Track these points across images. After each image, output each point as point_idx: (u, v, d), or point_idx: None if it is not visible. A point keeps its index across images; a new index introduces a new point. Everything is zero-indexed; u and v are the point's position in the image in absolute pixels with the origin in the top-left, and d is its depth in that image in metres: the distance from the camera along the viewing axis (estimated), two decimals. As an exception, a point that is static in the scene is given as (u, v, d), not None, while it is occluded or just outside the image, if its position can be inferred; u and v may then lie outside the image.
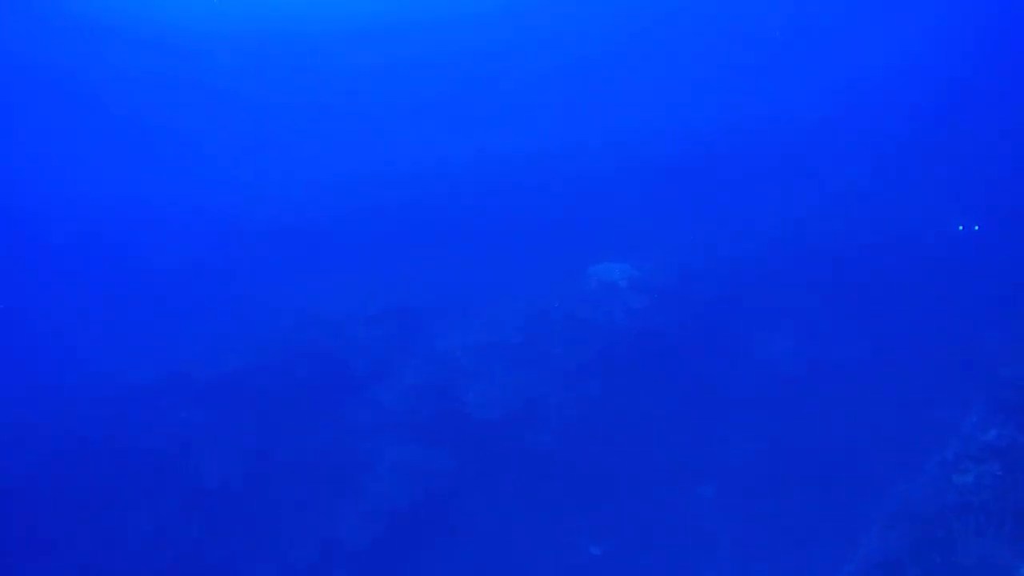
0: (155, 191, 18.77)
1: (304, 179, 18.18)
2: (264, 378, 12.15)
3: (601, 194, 16.14)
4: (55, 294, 16.31)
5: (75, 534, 10.06)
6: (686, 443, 10.77)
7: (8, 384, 13.05)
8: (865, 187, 13.84)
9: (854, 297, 11.93)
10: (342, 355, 12.29)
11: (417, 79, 21.46)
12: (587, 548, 10.01)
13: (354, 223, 15.85)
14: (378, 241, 15.22)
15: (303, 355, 12.30)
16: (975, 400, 8.48)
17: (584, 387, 11.18)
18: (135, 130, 20.92)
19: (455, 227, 15.53)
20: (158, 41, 20.04)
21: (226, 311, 14.20)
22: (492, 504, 10.41)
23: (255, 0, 20.11)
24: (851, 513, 8.83)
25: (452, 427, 10.87)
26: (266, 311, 13.50)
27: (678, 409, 11.06)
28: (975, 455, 6.63)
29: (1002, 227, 12.06)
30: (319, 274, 14.25)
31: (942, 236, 12.43)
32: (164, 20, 19.43)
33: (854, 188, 13.95)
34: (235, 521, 10.50)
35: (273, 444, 11.38)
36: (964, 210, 12.52)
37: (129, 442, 11.10)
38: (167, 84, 20.90)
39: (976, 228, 12.27)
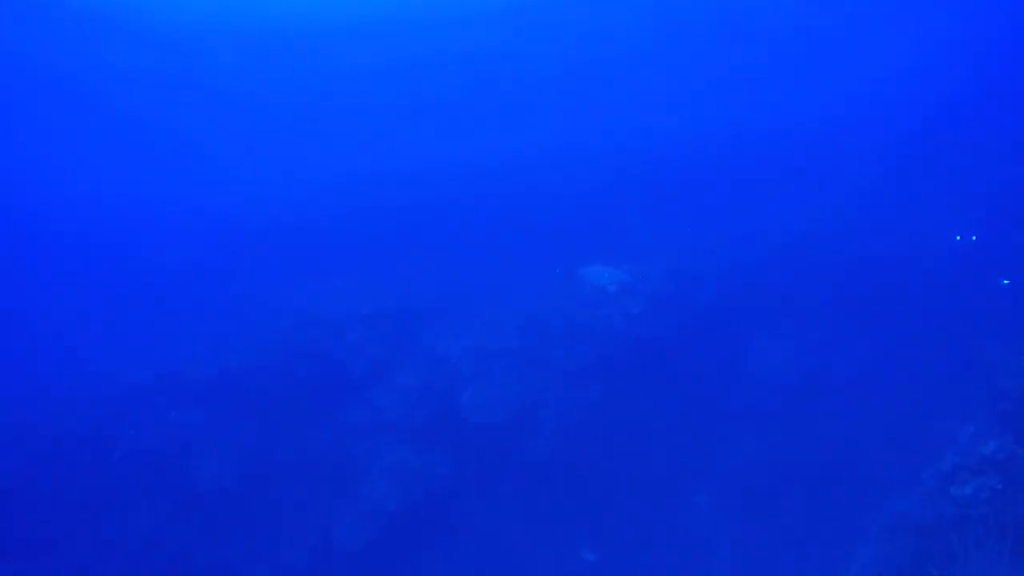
0: (154, 190, 18.73)
1: (303, 179, 18.14)
2: (262, 378, 12.11)
3: (599, 197, 16.11)
4: (53, 293, 16.27)
5: (73, 534, 10.04)
6: (683, 450, 10.75)
7: (7, 383, 13.00)
8: (865, 196, 13.82)
9: (852, 306, 11.90)
10: (339, 356, 12.25)
11: (417, 80, 21.42)
12: (581, 554, 9.99)
13: (352, 224, 15.82)
14: (375, 242, 15.19)
15: (301, 356, 12.26)
16: (973, 412, 8.48)
17: (581, 392, 11.14)
18: (132, 129, 20.83)
19: (453, 229, 15.49)
20: (157, 37, 19.93)
21: (224, 311, 14.16)
22: (488, 508, 10.39)
23: (255, -4, 20.18)
24: (847, 524, 8.81)
25: (449, 430, 10.85)
26: (264, 311, 13.46)
27: (675, 416, 11.03)
28: (974, 467, 6.61)
29: (1001, 238, 12.06)
30: (317, 274, 14.21)
31: (941, 247, 12.40)
32: (163, 17, 19.34)
33: (854, 197, 13.93)
34: (232, 522, 10.49)
35: (270, 445, 11.36)
36: (963, 221, 12.51)
37: (127, 442, 11.07)
38: (165, 82, 20.80)
39: (974, 239, 12.25)
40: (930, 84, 16.51)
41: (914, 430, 9.39)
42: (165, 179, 19.26)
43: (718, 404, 11.09)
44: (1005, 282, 11.47)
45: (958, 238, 11.65)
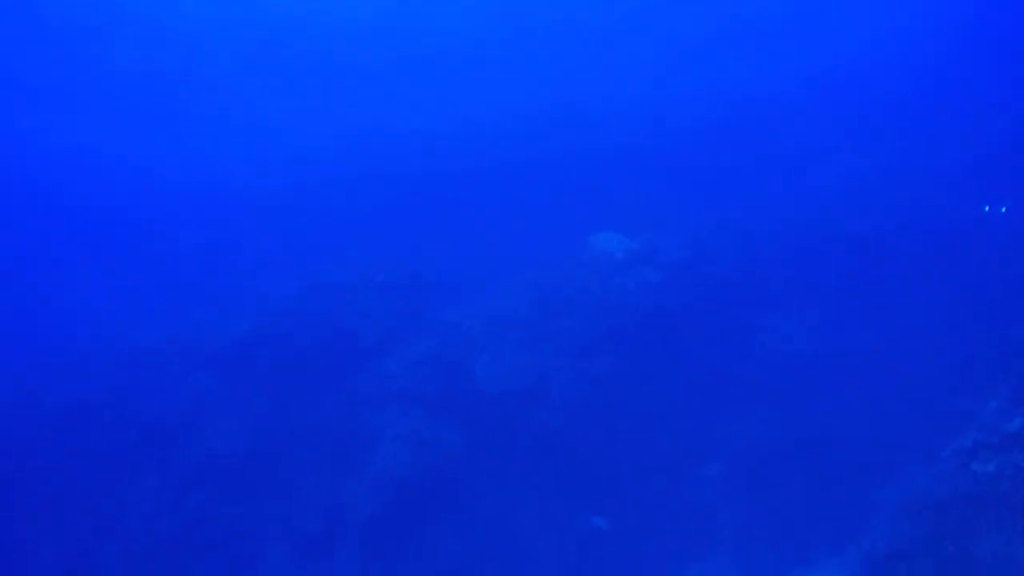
0: (165, 157, 18.66)
1: (315, 147, 17.98)
2: (273, 346, 12.13)
3: (613, 166, 15.84)
4: (65, 259, 16.35)
5: (85, 498, 10.18)
6: (695, 420, 10.67)
7: (19, 348, 13.13)
8: (890, 165, 13.42)
9: (872, 278, 11.65)
10: (351, 324, 12.23)
11: (428, 44, 21.06)
12: (592, 520, 10.01)
13: (363, 192, 15.69)
14: (387, 210, 15.07)
15: (312, 323, 12.25)
16: (996, 387, 8.28)
17: (594, 362, 11.05)
18: (143, 96, 20.71)
19: (465, 197, 15.32)
20: (162, 6, 19.74)
21: (236, 278, 14.17)
22: (499, 476, 10.40)
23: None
24: (861, 499, 8.72)
25: (459, 400, 10.83)
26: (275, 278, 13.44)
27: (688, 386, 10.93)
28: (997, 445, 6.44)
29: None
30: (329, 242, 14.14)
31: (967, 218, 12.04)
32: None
33: (879, 166, 13.54)
34: (244, 488, 10.58)
35: (282, 412, 11.41)
36: (992, 191, 12.12)
37: (138, 406, 11.14)
38: (176, 50, 20.60)
39: (1003, 210, 11.85)
40: (958, 48, 15.93)
41: (933, 406, 9.22)
42: (175, 146, 19.17)
43: (732, 375, 10.96)
44: (986, 209, 11.14)
45: (987, 209, 11.26)
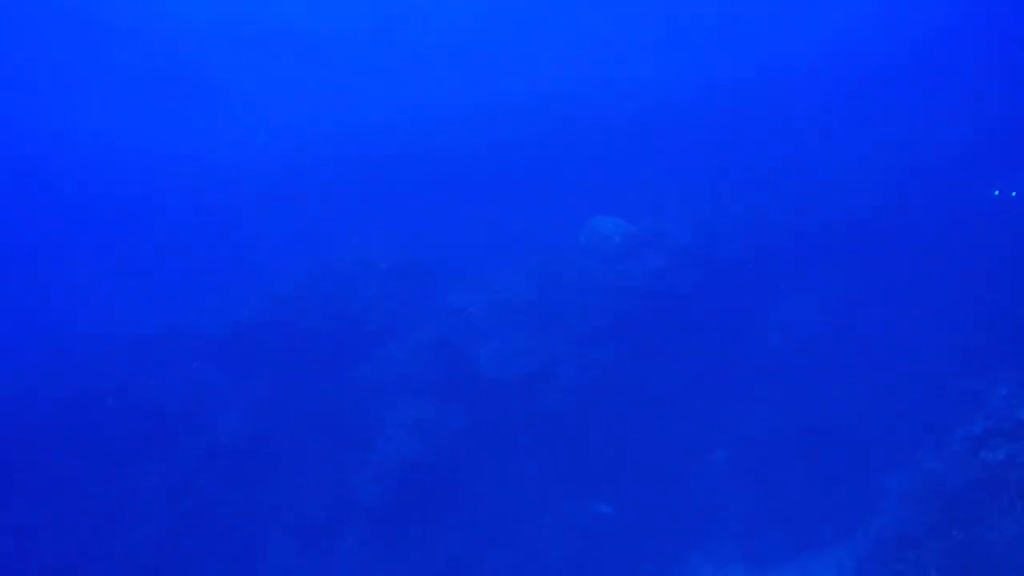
0: (165, 144, 18.49)
1: (315, 133, 17.81)
2: (277, 331, 12.08)
3: (614, 149, 15.68)
4: (65, 248, 16.27)
5: (88, 488, 10.18)
6: (702, 406, 10.64)
7: (19, 338, 13.10)
8: (898, 147, 13.24)
9: (880, 261, 11.56)
10: (356, 310, 12.18)
11: (429, 27, 20.82)
12: (596, 507, 10.02)
13: (365, 178, 15.54)
14: (389, 196, 14.94)
15: (317, 309, 12.20)
16: (1006, 372, 8.22)
17: (599, 347, 11.00)
18: (140, 85, 20.50)
19: (469, 181, 15.18)
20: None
21: (238, 265, 14.09)
22: (503, 464, 10.39)
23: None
24: (869, 484, 8.71)
25: (464, 386, 10.79)
26: (279, 264, 13.37)
27: (693, 373, 10.89)
28: (1008, 431, 6.40)
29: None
30: (333, 228, 14.04)
31: (976, 200, 11.90)
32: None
33: (887, 147, 13.36)
34: (250, 474, 10.58)
35: (287, 398, 11.38)
36: (1003, 175, 11.96)
37: (140, 395, 11.12)
38: (174, 38, 20.36)
39: (1014, 194, 11.70)
40: (977, 31, 15.66)
41: (942, 390, 9.17)
42: (177, 135, 19.00)
43: (738, 360, 10.91)
44: (996, 193, 11.04)
45: (997, 193, 11.11)
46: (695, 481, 10.11)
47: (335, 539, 10.03)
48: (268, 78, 20.50)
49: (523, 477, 10.25)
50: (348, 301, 12.22)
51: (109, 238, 16.25)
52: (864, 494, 8.63)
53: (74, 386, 11.17)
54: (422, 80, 19.21)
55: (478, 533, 9.80)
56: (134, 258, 15.53)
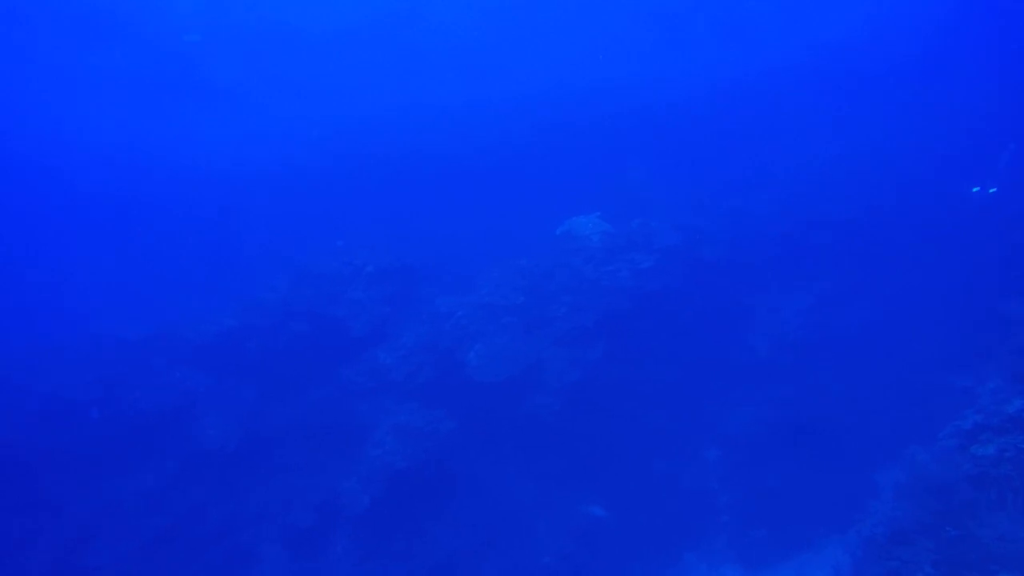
0: (149, 150, 18.21)
1: (298, 140, 17.63)
2: (262, 337, 11.92)
3: (598, 151, 15.66)
4: (49, 254, 15.96)
5: (74, 494, 9.97)
6: (692, 405, 10.62)
7: (8, 342, 12.79)
8: (880, 143, 13.35)
9: (866, 258, 11.62)
10: (341, 314, 12.02)
11: (413, 37, 20.72)
12: (587, 509, 9.95)
13: (349, 183, 15.40)
14: (372, 200, 14.80)
15: (301, 314, 12.03)
16: (994, 366, 8.27)
17: (587, 348, 10.92)
18: (130, 93, 20.15)
19: (452, 183, 15.08)
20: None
21: (222, 269, 13.88)
22: (494, 465, 10.30)
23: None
24: (860, 481, 8.73)
25: (453, 389, 10.68)
26: (262, 269, 13.20)
27: (683, 372, 10.87)
28: (997, 426, 6.41)
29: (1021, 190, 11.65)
30: (315, 232, 13.88)
31: (958, 198, 12.00)
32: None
33: (868, 144, 13.45)
34: (238, 481, 10.42)
35: (273, 405, 11.22)
36: (980, 173, 12.09)
37: (126, 401, 10.90)
38: (166, 46, 20.03)
39: (992, 191, 11.82)
40: (959, 28, 15.84)
41: (931, 385, 9.23)
42: (161, 142, 18.72)
43: (729, 359, 10.92)
44: (975, 190, 11.15)
45: (976, 189, 11.22)
46: (687, 481, 10.08)
47: (324, 544, 9.89)
48: (253, 88, 20.26)
49: (514, 480, 10.16)
50: (334, 305, 12.08)
51: (93, 245, 15.96)
52: (856, 491, 8.65)
53: (58, 393, 10.92)
54: (407, 84, 19.11)
55: (469, 536, 9.69)
56: (118, 264, 15.26)
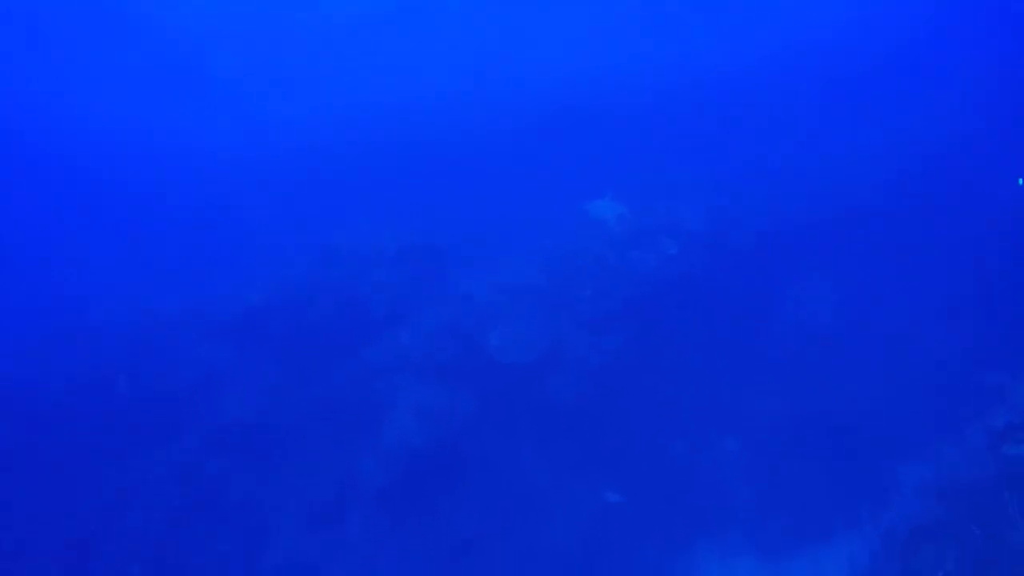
0: (174, 130, 18.45)
1: (321, 117, 17.67)
2: (286, 316, 12.04)
3: (623, 133, 15.43)
4: (76, 233, 16.33)
5: (100, 470, 10.25)
6: (714, 394, 10.52)
7: (31, 321, 13.17)
8: (922, 134, 12.89)
9: (898, 249, 11.33)
10: (364, 294, 12.10)
11: (431, 13, 20.57)
12: (605, 495, 9.96)
13: (372, 162, 15.41)
14: (395, 179, 14.81)
15: (325, 293, 12.14)
16: (1027, 366, 8.02)
17: (610, 332, 10.86)
18: (160, 68, 20.43)
19: (482, 164, 15.01)
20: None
21: (247, 248, 14.05)
22: (513, 448, 10.34)
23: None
24: (883, 477, 8.57)
25: (473, 370, 10.71)
26: (288, 248, 13.32)
27: (705, 360, 10.77)
28: (1030, 427, 6.22)
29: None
30: (341, 212, 13.95)
31: (1001, 191, 11.58)
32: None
33: (909, 132, 13.01)
34: (259, 458, 10.59)
35: (296, 382, 11.37)
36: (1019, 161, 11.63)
37: (151, 378, 11.15)
38: (183, 23, 20.22)
39: None
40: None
41: (960, 381, 8.98)
42: (188, 114, 18.95)
43: (752, 348, 10.77)
44: (1020, 182, 10.74)
45: (1021, 182, 10.81)
46: (705, 469, 10.02)
47: (343, 522, 10.05)
48: (276, 67, 20.39)
49: (532, 463, 10.20)
50: (357, 285, 12.15)
51: (120, 223, 16.27)
52: (878, 485, 8.50)
53: (84, 370, 11.22)
54: (428, 66, 19.01)
55: (485, 519, 9.76)
56: (146, 243, 15.55)
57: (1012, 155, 11.75)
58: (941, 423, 8.08)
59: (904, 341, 10.05)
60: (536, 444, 10.37)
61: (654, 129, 15.25)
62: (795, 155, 13.50)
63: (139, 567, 9.52)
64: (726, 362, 10.67)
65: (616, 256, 11.67)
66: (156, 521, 9.84)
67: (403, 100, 17.15)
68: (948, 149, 12.46)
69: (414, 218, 13.25)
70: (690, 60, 17.20)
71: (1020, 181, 10.77)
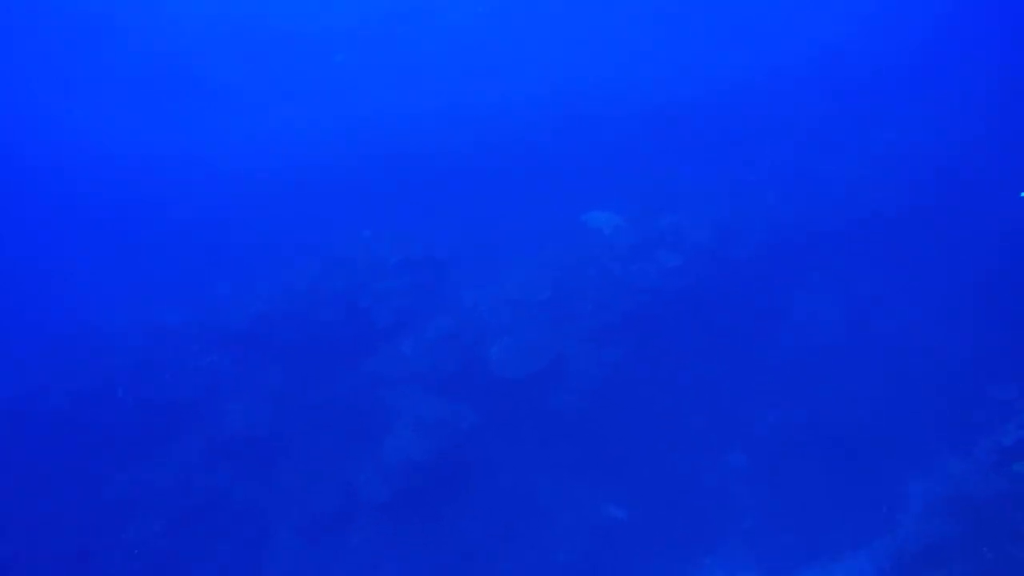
0: (174, 139, 18.52)
1: (324, 127, 17.72)
2: (288, 326, 12.01)
3: (626, 145, 15.38)
4: (80, 243, 16.36)
5: (102, 476, 10.21)
6: (719, 407, 10.41)
7: (35, 331, 13.18)
8: (927, 143, 12.81)
9: (902, 262, 11.22)
10: (366, 305, 12.07)
11: (434, 21, 20.66)
12: (608, 509, 9.85)
13: (374, 172, 15.42)
14: (398, 190, 14.80)
15: (327, 304, 12.11)
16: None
17: (613, 345, 10.79)
18: (161, 80, 20.57)
19: (484, 175, 14.98)
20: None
21: (250, 258, 14.05)
22: (515, 462, 10.26)
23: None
24: (890, 492, 8.43)
25: (475, 383, 10.65)
26: (290, 259, 13.29)
27: (710, 373, 10.66)
28: (1040, 444, 6.10)
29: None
30: (344, 223, 13.93)
31: (1007, 199, 11.49)
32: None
33: (915, 143, 12.93)
34: (261, 468, 10.55)
35: (298, 393, 11.33)
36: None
37: (155, 387, 11.12)
38: (181, 30, 20.37)
39: None
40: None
41: (969, 395, 8.85)
42: (186, 129, 19.03)
43: (757, 361, 10.66)
44: (1023, 195, 10.66)
45: (1023, 195, 10.74)
46: (709, 483, 9.89)
47: (343, 533, 9.98)
48: (276, 76, 20.51)
49: (533, 476, 10.11)
50: (359, 295, 12.12)
51: (123, 233, 16.30)
52: (885, 503, 8.36)
53: (87, 378, 11.20)
54: (430, 76, 19.05)
55: (487, 532, 9.67)
56: (148, 253, 15.55)
57: (1018, 162, 11.66)
58: (950, 440, 7.96)
59: (911, 354, 9.93)
60: (538, 457, 10.28)
61: (657, 139, 15.20)
62: (798, 165, 13.43)
63: (138, 579, 9.46)
64: (730, 374, 10.57)
65: (619, 268, 11.61)
66: (156, 532, 9.79)
67: (404, 110, 17.16)
68: (954, 157, 12.36)
69: (415, 228, 13.23)
70: (692, 70, 17.16)
71: (1022, 194, 10.69)
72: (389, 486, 9.94)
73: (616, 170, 14.49)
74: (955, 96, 14.11)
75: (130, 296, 13.53)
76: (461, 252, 12.86)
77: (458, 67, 19.03)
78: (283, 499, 10.18)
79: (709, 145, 14.66)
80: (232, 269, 13.90)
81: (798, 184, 12.95)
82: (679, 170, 13.84)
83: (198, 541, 9.98)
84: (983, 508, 6.20)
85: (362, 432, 10.64)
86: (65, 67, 20.63)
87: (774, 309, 11.25)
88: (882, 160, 12.91)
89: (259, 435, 10.79)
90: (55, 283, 15.11)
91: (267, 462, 10.66)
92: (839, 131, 14.29)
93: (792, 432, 9.71)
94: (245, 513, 10.11)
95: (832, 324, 10.77)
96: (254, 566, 9.84)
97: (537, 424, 10.36)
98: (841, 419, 9.54)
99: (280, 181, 15.84)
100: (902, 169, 12.45)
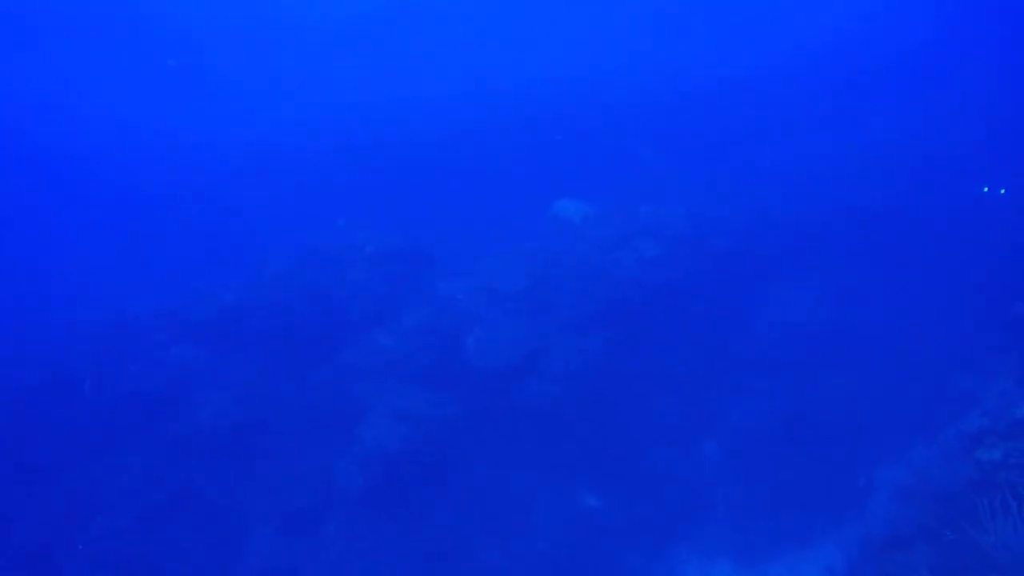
0: (147, 126, 18.10)
1: (299, 118, 17.48)
2: (261, 317, 11.83)
3: (603, 136, 15.44)
4: (46, 231, 15.95)
5: (66, 470, 9.97)
6: (694, 397, 10.52)
7: (5, 316, 12.80)
8: (904, 139, 13.07)
9: (875, 254, 11.44)
10: (341, 295, 11.94)
11: (412, 17, 20.49)
12: (584, 499, 9.91)
13: (349, 162, 15.25)
14: (373, 180, 14.66)
15: (301, 295, 11.96)
16: (1001, 368, 8.12)
17: (590, 336, 10.82)
18: (132, 63, 20.03)
19: (459, 165, 14.91)
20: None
21: (223, 248, 13.82)
22: (491, 452, 10.24)
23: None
24: (859, 480, 8.61)
25: (452, 373, 10.61)
26: (263, 248, 13.12)
27: (685, 363, 10.76)
28: (1004, 431, 6.26)
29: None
30: (318, 212, 13.77)
31: (971, 198, 11.79)
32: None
33: (894, 139, 13.18)
34: (232, 461, 10.38)
35: (271, 385, 11.17)
36: (991, 172, 11.83)
37: (122, 378, 10.88)
38: (166, 28, 19.89)
39: (1003, 192, 11.62)
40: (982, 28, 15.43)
41: (937, 385, 9.07)
42: (163, 112, 18.61)
43: (731, 351, 10.79)
44: (985, 190, 10.97)
45: (985, 190, 11.01)
46: (683, 473, 10.00)
47: (318, 526, 9.89)
48: (252, 70, 20.15)
49: (510, 466, 10.11)
50: (334, 286, 11.99)
51: (92, 221, 15.91)
52: (855, 490, 8.54)
53: (52, 370, 10.91)
54: (406, 68, 18.90)
55: (463, 522, 9.67)
56: (118, 242, 15.22)
57: (979, 163, 11.96)
58: (917, 427, 8.14)
59: (882, 345, 10.14)
60: (515, 447, 10.28)
61: (636, 132, 15.29)
62: (778, 158, 13.61)
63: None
64: (706, 365, 10.68)
65: (596, 257, 11.64)
66: (123, 527, 9.58)
67: (380, 102, 17.03)
68: (922, 158, 12.64)
69: (391, 219, 13.14)
70: (673, 62, 17.27)
71: (985, 189, 10.96)
72: (365, 478, 9.86)
73: (590, 161, 14.53)
74: (931, 93, 14.46)
75: (97, 284, 13.24)
76: (437, 241, 12.80)
77: (434, 60, 18.91)
78: (257, 493, 10.03)
79: (689, 138, 14.78)
80: (203, 258, 13.67)
81: (776, 178, 13.13)
82: (657, 161, 13.92)
83: (168, 538, 9.78)
84: (948, 494, 6.37)
85: (338, 424, 10.53)
86: (44, 52, 19.96)
87: (750, 301, 11.39)
88: (860, 155, 13.14)
89: (232, 427, 10.60)
90: (18, 272, 14.70)
91: (240, 455, 10.48)
92: (819, 126, 14.50)
93: (765, 422, 9.86)
94: (218, 506, 9.95)
95: (805, 316, 10.94)
96: (228, 563, 9.70)
97: (513, 414, 10.36)
98: (813, 409, 9.72)
99: (252, 171, 15.60)
100: (878, 165, 12.69)
